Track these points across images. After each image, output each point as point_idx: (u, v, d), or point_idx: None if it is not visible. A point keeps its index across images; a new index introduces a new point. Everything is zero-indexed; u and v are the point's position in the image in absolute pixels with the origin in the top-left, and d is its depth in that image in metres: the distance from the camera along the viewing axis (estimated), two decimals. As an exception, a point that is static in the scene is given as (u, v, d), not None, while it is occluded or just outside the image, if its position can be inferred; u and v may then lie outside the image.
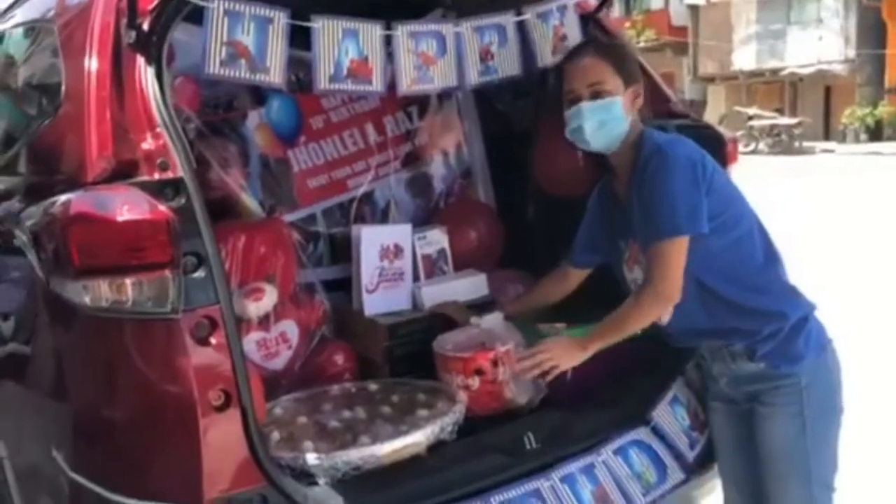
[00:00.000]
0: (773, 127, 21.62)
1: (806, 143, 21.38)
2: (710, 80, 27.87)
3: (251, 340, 2.33)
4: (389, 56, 2.05)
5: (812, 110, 23.76)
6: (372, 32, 1.99)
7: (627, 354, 2.33)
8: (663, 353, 2.31)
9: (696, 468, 2.15)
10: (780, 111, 23.79)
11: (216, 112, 2.61)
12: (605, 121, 1.96)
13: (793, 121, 21.94)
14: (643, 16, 28.32)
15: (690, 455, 2.15)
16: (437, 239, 2.67)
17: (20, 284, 1.96)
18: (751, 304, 1.92)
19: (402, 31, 2.04)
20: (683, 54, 27.87)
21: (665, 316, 2.03)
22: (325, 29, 1.93)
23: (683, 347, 2.18)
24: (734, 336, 1.96)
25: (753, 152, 20.65)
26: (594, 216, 2.23)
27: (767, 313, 1.93)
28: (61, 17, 2.06)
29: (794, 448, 1.94)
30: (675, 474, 2.09)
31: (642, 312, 1.94)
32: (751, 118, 22.13)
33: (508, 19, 2.21)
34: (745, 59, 25.09)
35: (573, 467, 1.98)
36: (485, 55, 2.19)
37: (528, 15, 2.23)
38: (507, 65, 2.23)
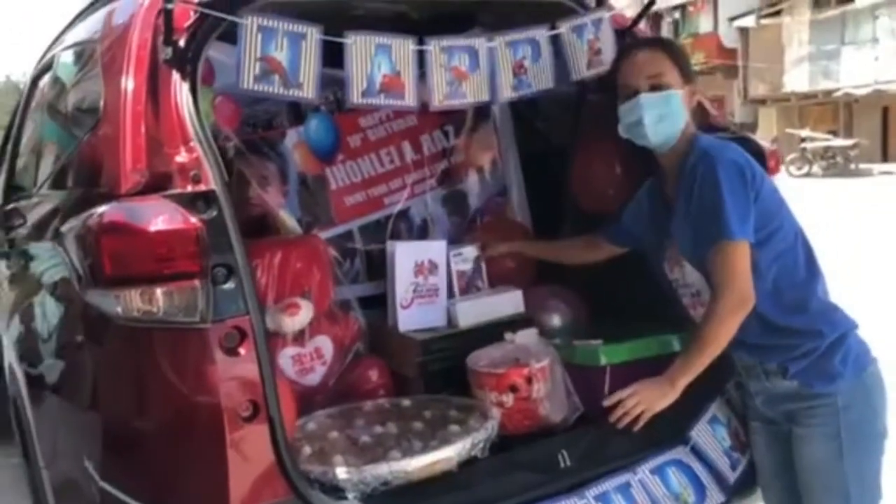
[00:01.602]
0: (827, 149, 21.11)
1: (863, 165, 20.83)
2: (762, 102, 27.44)
3: (286, 355, 2.34)
4: (422, 72, 2.05)
5: (868, 132, 23.16)
6: (405, 48, 2.00)
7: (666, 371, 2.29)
8: (703, 372, 2.25)
9: (738, 490, 2.08)
10: (835, 133, 23.27)
11: (255, 131, 2.65)
12: (665, 114, 1.93)
13: (848, 142, 21.41)
14: (691, 39, 28.08)
15: (731, 476, 2.09)
16: (472, 256, 2.64)
17: (61, 298, 2.01)
18: (786, 322, 1.86)
19: (434, 46, 2.04)
20: (734, 77, 27.54)
21: None
22: (358, 44, 1.95)
23: (724, 365, 2.13)
24: (769, 353, 1.90)
25: (807, 175, 20.21)
26: (641, 208, 2.19)
27: (803, 332, 1.86)
28: (105, 37, 2.12)
29: (831, 472, 1.86)
30: (715, 496, 2.03)
31: (723, 325, 1.82)
32: (803, 140, 21.68)
33: (542, 33, 2.20)
34: (797, 80, 24.65)
35: (608, 486, 1.94)
36: (518, 69, 2.19)
37: (563, 29, 2.21)
38: (541, 79, 2.21)
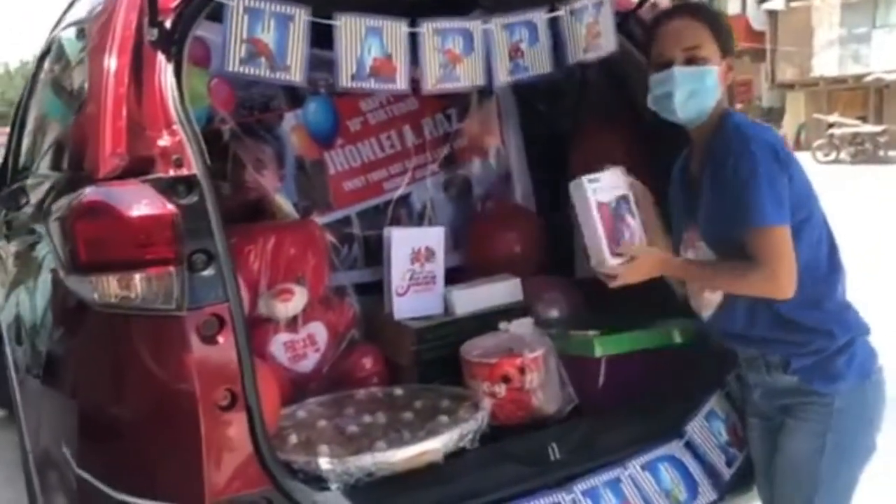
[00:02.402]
0: (855, 135, 20.68)
1: (892, 153, 20.43)
2: (790, 86, 26.96)
3: (279, 342, 2.33)
4: (415, 54, 2.00)
5: (899, 118, 22.73)
6: (397, 30, 1.95)
7: (665, 363, 2.24)
8: (703, 363, 2.20)
9: (732, 487, 2.02)
10: (864, 119, 22.80)
11: (252, 113, 2.62)
12: (697, 90, 1.81)
13: (877, 128, 20.95)
14: (719, 21, 27.62)
15: (727, 473, 2.03)
16: (615, 182, 1.95)
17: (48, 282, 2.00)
18: (800, 318, 1.78)
19: (427, 29, 1.99)
20: (761, 60, 27.08)
21: (706, 311, 1.92)
22: (348, 26, 1.90)
23: (725, 358, 2.07)
24: (773, 347, 1.83)
25: (835, 161, 19.85)
26: (677, 200, 2.01)
27: (815, 330, 1.79)
28: (94, 17, 2.09)
29: (805, 470, 1.81)
30: (708, 493, 1.97)
31: (746, 285, 1.75)
32: (831, 126, 21.27)
33: (540, 16, 2.13)
34: (826, 64, 24.19)
35: (597, 481, 1.89)
36: (514, 53, 2.12)
37: (561, 11, 2.14)
38: (538, 63, 2.15)
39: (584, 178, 1.91)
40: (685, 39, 1.83)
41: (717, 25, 1.85)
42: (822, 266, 1.81)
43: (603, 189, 1.91)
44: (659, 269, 1.87)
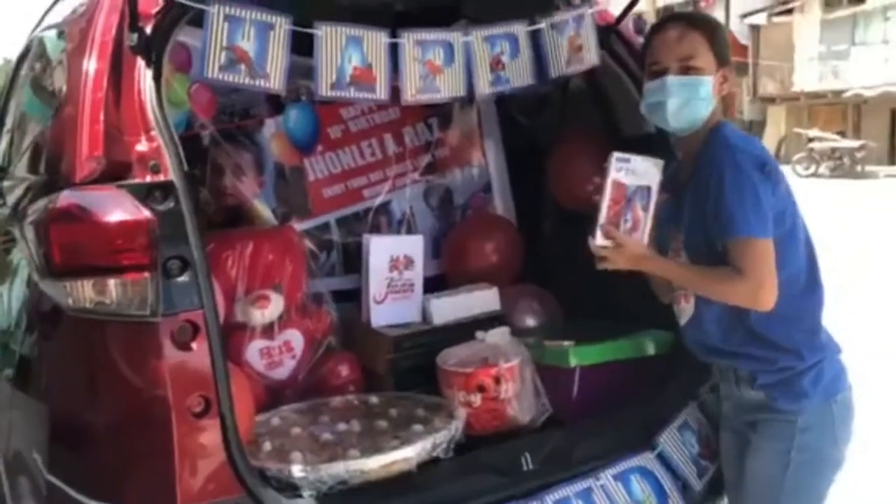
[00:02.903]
0: (834, 150, 20.92)
1: (869, 168, 20.66)
2: (771, 100, 27.24)
3: (254, 348, 2.32)
4: (396, 64, 2.01)
5: (877, 133, 22.96)
6: (377, 40, 1.96)
7: (639, 374, 2.26)
8: (677, 375, 2.23)
9: (703, 499, 2.05)
10: (843, 134, 23.06)
11: (232, 119, 2.62)
12: (690, 100, 1.82)
13: (855, 143, 21.21)
14: (702, 35, 27.87)
15: (698, 485, 2.05)
16: (645, 171, 1.91)
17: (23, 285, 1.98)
18: (771, 334, 1.79)
19: (408, 39, 2.00)
20: (744, 74, 27.36)
21: (682, 319, 1.95)
22: (328, 36, 1.91)
23: (700, 370, 2.09)
24: (742, 361, 1.86)
25: (814, 175, 20.06)
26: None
27: (783, 349, 1.80)
28: (74, 21, 2.09)
29: (768, 487, 1.83)
30: (678, 504, 1.99)
31: (728, 292, 1.76)
32: (811, 140, 21.51)
33: (521, 29, 2.15)
34: (806, 79, 24.45)
35: (569, 491, 1.90)
36: (496, 65, 2.14)
37: (542, 25, 2.16)
38: (519, 75, 2.16)
39: (615, 154, 1.89)
40: (680, 49, 1.84)
41: (715, 36, 1.86)
42: (801, 283, 1.82)
43: (629, 171, 1.90)
44: (645, 263, 1.87)
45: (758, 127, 27.20)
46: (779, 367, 1.81)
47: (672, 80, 1.83)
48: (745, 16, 27.04)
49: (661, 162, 1.92)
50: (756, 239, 1.71)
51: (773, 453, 1.82)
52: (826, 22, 23.70)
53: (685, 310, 1.93)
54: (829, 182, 18.57)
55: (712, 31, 1.87)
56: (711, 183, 1.76)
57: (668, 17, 1.98)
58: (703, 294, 1.85)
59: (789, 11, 25.18)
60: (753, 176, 1.72)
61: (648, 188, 1.91)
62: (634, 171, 1.90)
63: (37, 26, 3.04)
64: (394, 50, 1.99)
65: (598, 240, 1.86)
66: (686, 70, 1.82)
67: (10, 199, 2.45)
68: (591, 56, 2.26)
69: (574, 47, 2.24)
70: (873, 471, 3.23)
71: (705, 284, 1.82)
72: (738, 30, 27.74)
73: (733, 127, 1.87)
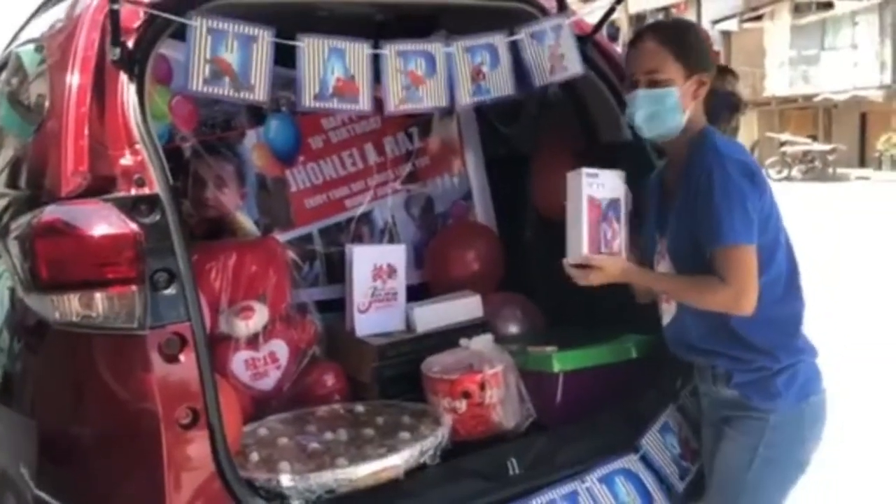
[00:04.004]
0: (806, 153, 21.26)
1: (840, 170, 20.99)
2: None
3: (239, 359, 2.32)
4: (378, 75, 2.03)
5: (847, 137, 23.34)
6: (359, 51, 1.98)
7: (621, 378, 2.29)
8: (658, 377, 2.26)
9: (685, 499, 2.08)
10: (814, 138, 23.41)
11: (213, 131, 2.63)
12: (657, 111, 1.87)
13: (826, 147, 21.56)
14: (675, 41, 28.19)
15: (680, 486, 2.09)
16: (613, 184, 1.99)
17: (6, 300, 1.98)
18: (749, 335, 1.84)
19: (390, 51, 2.02)
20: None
21: (665, 318, 1.99)
22: (311, 48, 1.92)
23: (680, 373, 2.14)
24: (720, 359, 1.90)
25: (786, 179, 20.33)
26: (652, 208, 2.06)
27: (761, 350, 1.85)
28: (54, 36, 2.09)
29: (732, 479, 1.88)
30: (662, 506, 2.02)
31: (710, 300, 1.80)
32: (783, 144, 21.82)
33: (500, 39, 2.18)
34: (777, 84, 24.79)
35: (555, 494, 1.93)
36: (476, 75, 2.17)
37: (521, 35, 2.20)
38: (500, 85, 2.19)
39: (584, 170, 1.94)
40: (645, 63, 1.89)
41: (683, 45, 1.90)
42: (781, 287, 1.87)
43: (599, 186, 1.95)
44: (626, 277, 1.92)
45: (731, 131, 27.51)
46: (754, 367, 1.86)
47: (640, 93, 1.90)
48: (716, 22, 27.37)
49: (623, 173, 2.01)
50: (742, 246, 1.76)
51: (741, 447, 1.87)
52: (796, 27, 24.05)
53: (667, 310, 1.98)
54: (802, 185, 18.84)
55: (681, 41, 1.91)
56: (700, 190, 1.80)
57: (640, 30, 2.03)
58: (685, 302, 1.89)
59: (759, 17, 25.52)
60: (742, 183, 1.76)
61: (618, 200, 1.98)
62: (604, 185, 1.97)
63: (12, 41, 3.02)
64: (375, 61, 2.01)
65: (572, 258, 1.90)
66: (652, 83, 1.89)
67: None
68: (574, 65, 2.29)
69: (555, 56, 2.27)
70: (844, 468, 3.30)
71: (687, 294, 1.87)
72: (712, 36, 28.10)
73: (719, 133, 1.91)
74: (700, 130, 1.90)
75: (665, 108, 1.87)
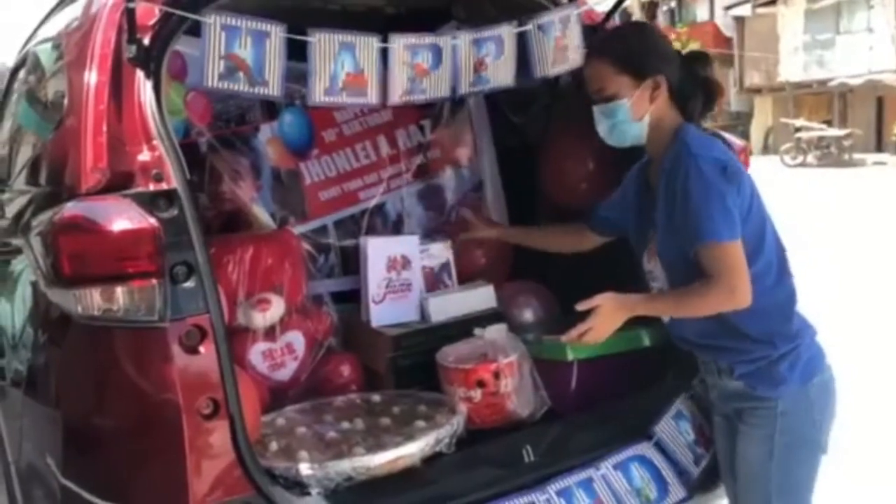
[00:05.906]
0: (821, 139, 21.10)
1: (856, 156, 20.83)
2: (757, 91, 27.42)
3: (257, 351, 2.35)
4: (386, 68, 2.05)
5: (863, 122, 23.16)
6: (369, 45, 2.00)
7: (634, 366, 2.31)
8: (671, 366, 2.28)
9: (701, 485, 2.09)
10: (829, 123, 23.25)
11: (228, 126, 2.66)
12: (614, 124, 1.94)
13: (842, 132, 21.39)
14: (687, 27, 28.03)
15: (695, 471, 2.10)
16: (441, 253, 2.65)
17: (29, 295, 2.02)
18: (744, 327, 1.85)
19: (398, 45, 2.04)
20: (730, 66, 27.49)
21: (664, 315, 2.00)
22: (322, 42, 1.94)
23: (691, 362, 2.15)
24: (720, 353, 1.93)
25: (801, 165, 20.21)
26: (626, 195, 2.15)
27: (757, 339, 1.86)
28: (71, 34, 2.12)
29: (758, 473, 1.89)
30: (677, 492, 2.04)
31: (707, 305, 1.82)
32: (798, 130, 21.65)
33: (508, 30, 2.19)
34: (792, 70, 24.62)
35: (571, 481, 1.95)
36: (479, 66, 2.18)
37: (529, 26, 2.20)
38: (500, 76, 2.19)
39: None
40: (592, 81, 1.97)
41: (623, 56, 1.92)
42: (772, 275, 1.88)
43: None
44: (626, 311, 1.89)
45: (745, 118, 27.37)
46: (753, 357, 1.87)
47: (595, 109, 1.98)
48: (729, 7, 27.20)
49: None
50: (725, 243, 1.77)
51: (758, 440, 1.88)
52: (810, 12, 23.84)
53: None
54: (818, 171, 18.72)
55: (621, 52, 1.93)
56: (678, 193, 1.82)
57: (587, 47, 2.09)
58: (686, 315, 1.90)
59: (773, 2, 25.33)
60: (718, 181, 1.78)
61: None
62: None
63: (29, 40, 3.07)
64: (384, 54, 2.03)
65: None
66: (602, 100, 1.95)
67: (10, 210, 2.49)
68: (577, 56, 2.29)
69: (559, 48, 2.27)
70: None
71: (683, 307, 1.88)
72: (722, 22, 27.97)
73: (694, 130, 1.91)
74: (673, 129, 1.91)
75: (619, 121, 1.93)
